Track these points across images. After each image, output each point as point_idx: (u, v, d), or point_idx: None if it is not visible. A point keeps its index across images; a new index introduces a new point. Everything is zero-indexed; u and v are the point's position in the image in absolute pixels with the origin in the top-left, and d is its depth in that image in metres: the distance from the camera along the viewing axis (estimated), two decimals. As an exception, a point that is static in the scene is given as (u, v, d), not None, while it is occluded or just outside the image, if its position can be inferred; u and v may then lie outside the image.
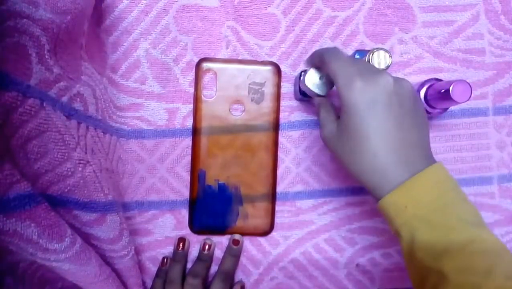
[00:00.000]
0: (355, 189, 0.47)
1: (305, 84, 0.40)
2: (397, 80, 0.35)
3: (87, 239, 0.36)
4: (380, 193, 0.34)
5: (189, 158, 0.46)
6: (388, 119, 0.33)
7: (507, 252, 0.32)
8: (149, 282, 0.46)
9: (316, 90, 0.39)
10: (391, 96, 0.34)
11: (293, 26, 0.46)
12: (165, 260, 0.46)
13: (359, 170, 0.34)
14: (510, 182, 0.48)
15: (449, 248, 0.31)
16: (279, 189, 0.47)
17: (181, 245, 0.45)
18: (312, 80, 0.39)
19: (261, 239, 0.47)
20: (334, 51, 0.36)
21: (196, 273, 0.44)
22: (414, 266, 0.33)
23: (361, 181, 0.35)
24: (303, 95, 0.43)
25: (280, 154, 0.46)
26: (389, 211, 0.33)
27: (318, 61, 0.38)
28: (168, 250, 0.46)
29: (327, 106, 0.39)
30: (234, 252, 0.46)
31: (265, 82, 0.46)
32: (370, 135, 0.33)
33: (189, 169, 0.46)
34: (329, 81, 0.39)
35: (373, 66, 0.37)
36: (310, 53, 0.46)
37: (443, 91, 0.39)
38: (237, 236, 0.46)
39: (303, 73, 0.41)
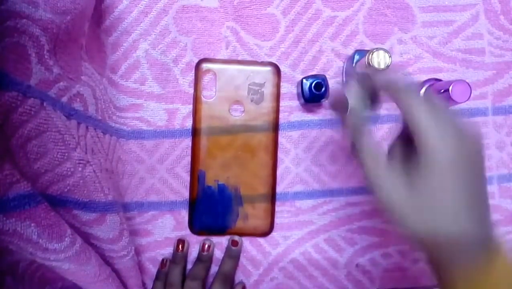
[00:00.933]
0: (355, 189, 0.47)
1: (348, 98, 0.31)
2: (479, 134, 0.30)
3: (87, 239, 0.35)
4: (457, 266, 0.29)
5: (188, 158, 0.46)
6: (478, 184, 0.29)
7: None
8: (149, 283, 0.46)
9: (357, 104, 0.31)
10: (480, 153, 0.29)
11: (292, 26, 0.46)
12: (165, 261, 0.46)
13: (443, 239, 0.29)
14: (510, 182, 0.48)
15: None
16: (279, 189, 0.47)
17: (180, 246, 0.45)
18: (354, 92, 0.32)
19: (261, 240, 0.47)
20: (413, 89, 0.30)
21: (195, 275, 0.44)
22: None
23: (434, 252, 0.30)
24: (309, 100, 0.43)
25: (280, 155, 0.46)
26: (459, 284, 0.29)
27: (386, 89, 0.31)
28: (168, 250, 0.46)
29: (370, 140, 0.31)
30: (233, 253, 0.46)
31: (264, 82, 0.46)
32: (465, 198, 0.28)
33: (189, 169, 0.46)
34: (371, 102, 0.32)
35: (456, 114, 0.30)
36: (309, 53, 0.46)
37: (442, 91, 0.39)
38: (236, 237, 0.46)
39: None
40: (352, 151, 0.31)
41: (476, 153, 0.29)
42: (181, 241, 0.46)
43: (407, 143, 0.31)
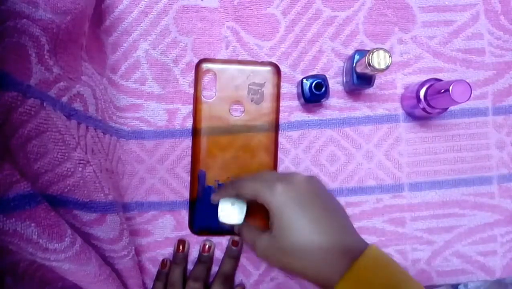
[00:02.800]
0: (355, 189, 0.47)
1: (221, 222, 0.42)
2: (307, 176, 0.39)
3: (87, 239, 0.35)
4: (332, 280, 0.34)
5: (189, 158, 0.46)
6: (315, 209, 0.37)
7: None
8: (149, 283, 0.46)
9: (235, 220, 0.42)
10: (310, 190, 0.38)
11: (292, 26, 0.46)
12: (165, 262, 0.46)
13: (304, 267, 0.36)
14: (510, 182, 0.48)
15: None
16: (279, 189, 0.47)
17: (181, 247, 0.45)
18: (227, 213, 0.42)
19: (261, 240, 0.47)
20: (240, 179, 0.41)
21: (197, 276, 0.44)
22: None
23: (309, 277, 0.36)
24: (309, 100, 0.43)
25: (280, 155, 0.46)
26: None
27: (231, 190, 0.41)
28: (168, 251, 0.46)
29: (248, 227, 0.42)
30: (233, 254, 0.46)
31: (264, 82, 0.46)
32: (307, 233, 0.36)
33: (189, 169, 0.46)
34: (241, 206, 0.42)
35: (283, 172, 0.42)
36: (309, 53, 0.46)
37: (443, 91, 0.39)
38: (236, 237, 0.46)
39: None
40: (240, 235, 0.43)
41: (304, 189, 0.37)
42: (181, 242, 0.46)
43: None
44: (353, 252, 0.35)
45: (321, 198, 0.38)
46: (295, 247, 0.36)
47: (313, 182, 0.39)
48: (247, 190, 0.39)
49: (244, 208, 0.42)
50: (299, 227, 0.36)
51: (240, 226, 0.43)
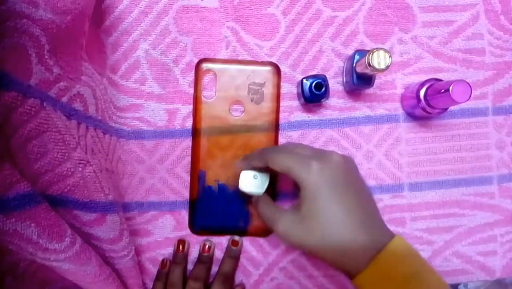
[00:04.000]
0: (355, 189, 0.47)
1: (241, 190, 0.41)
2: (343, 156, 0.37)
3: (87, 239, 0.35)
4: (353, 271, 0.34)
5: (189, 158, 0.46)
6: (350, 197, 0.35)
7: None
8: (149, 283, 0.46)
9: (255, 190, 0.40)
10: (345, 172, 0.36)
11: (293, 26, 0.46)
12: (165, 262, 0.46)
13: (329, 254, 0.35)
14: (510, 182, 0.48)
15: None
16: (279, 189, 0.47)
17: (181, 247, 0.45)
18: (248, 182, 0.40)
19: (261, 240, 0.47)
20: (272, 148, 0.39)
21: (197, 276, 0.44)
22: None
23: (333, 264, 0.36)
24: (309, 100, 0.44)
25: (280, 155, 0.46)
26: (366, 287, 0.34)
27: (259, 161, 0.39)
28: (168, 251, 0.46)
29: (267, 201, 0.40)
30: (233, 253, 0.46)
31: (265, 82, 0.46)
32: (339, 215, 0.35)
33: (189, 169, 0.46)
34: (263, 179, 0.41)
35: (317, 148, 0.39)
36: (310, 53, 0.46)
37: (443, 91, 0.39)
38: (236, 237, 0.46)
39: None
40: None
41: (340, 172, 0.36)
42: (181, 242, 0.46)
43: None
44: (379, 245, 0.34)
45: (356, 185, 0.37)
46: (323, 233, 0.35)
47: (349, 163, 0.37)
48: (279, 164, 0.36)
49: (267, 180, 0.41)
50: (331, 214, 0.35)
51: (259, 198, 0.41)
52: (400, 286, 0.33)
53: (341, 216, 0.34)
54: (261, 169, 0.40)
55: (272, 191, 0.45)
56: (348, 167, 0.37)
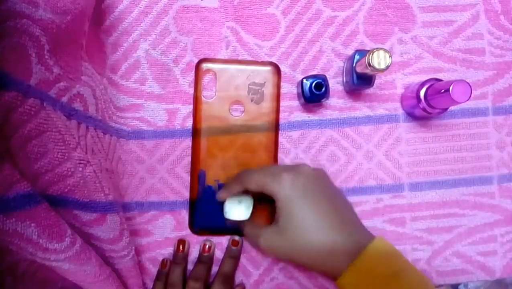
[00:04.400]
0: (355, 189, 0.47)
1: (227, 219, 0.43)
2: (314, 168, 0.39)
3: (87, 239, 0.35)
4: (336, 273, 0.35)
5: (189, 158, 0.46)
6: (323, 203, 0.37)
7: None
8: (149, 283, 0.46)
9: (242, 217, 0.42)
10: (316, 181, 0.38)
11: (293, 26, 0.46)
12: (165, 262, 0.46)
13: (311, 259, 0.36)
14: (510, 182, 0.48)
15: None
16: (279, 189, 0.47)
17: (181, 247, 0.45)
18: (233, 210, 0.42)
19: (261, 240, 0.47)
20: (246, 170, 0.41)
21: (198, 276, 0.44)
22: None
23: (317, 268, 0.37)
24: (309, 100, 0.43)
25: (280, 155, 0.46)
26: (348, 288, 0.35)
27: (237, 186, 0.41)
28: (168, 251, 0.46)
29: (252, 222, 0.43)
30: (233, 253, 0.46)
31: (265, 82, 0.46)
32: (313, 222, 0.36)
33: (189, 169, 0.46)
34: (247, 203, 0.42)
35: (288, 164, 0.43)
36: (310, 53, 0.46)
37: (443, 91, 0.39)
38: (236, 237, 0.46)
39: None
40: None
41: (311, 181, 0.37)
42: (181, 242, 0.46)
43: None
44: (359, 246, 0.35)
45: (329, 191, 0.38)
46: (302, 241, 0.36)
47: (320, 174, 0.39)
48: (254, 183, 0.39)
49: (251, 205, 0.43)
50: (308, 220, 0.36)
51: (244, 222, 0.43)
52: (382, 285, 0.34)
53: (317, 221, 0.36)
54: (243, 194, 0.42)
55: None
56: (319, 176, 0.39)
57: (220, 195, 0.43)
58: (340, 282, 0.35)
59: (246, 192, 0.41)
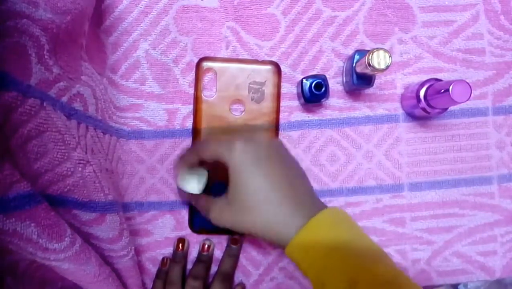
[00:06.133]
0: (354, 189, 0.47)
1: (183, 190, 0.41)
2: (270, 138, 0.38)
3: (87, 238, 0.35)
4: (284, 242, 0.34)
5: (189, 158, 0.46)
6: (275, 172, 0.35)
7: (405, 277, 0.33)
8: (149, 283, 0.46)
9: (193, 190, 0.40)
10: (271, 150, 0.36)
11: (293, 26, 0.46)
12: (165, 260, 0.46)
13: (261, 228, 0.35)
14: (510, 182, 0.48)
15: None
16: (279, 189, 0.47)
17: (180, 246, 0.45)
18: (187, 182, 0.40)
19: (261, 239, 0.47)
20: (202, 140, 0.40)
21: (197, 275, 0.44)
22: None
23: (266, 237, 0.36)
24: (309, 100, 0.43)
25: (280, 154, 0.46)
26: (295, 257, 0.34)
27: (192, 156, 0.39)
28: (168, 250, 0.46)
29: (204, 196, 0.41)
30: (233, 252, 0.46)
31: (265, 81, 0.46)
32: (262, 190, 0.35)
33: (189, 169, 0.46)
34: (200, 176, 0.41)
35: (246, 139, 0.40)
36: (310, 53, 0.46)
37: (443, 91, 0.39)
38: (236, 236, 0.46)
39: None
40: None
41: (264, 149, 0.36)
42: (181, 240, 0.46)
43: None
44: (310, 210, 0.34)
45: (283, 160, 0.37)
46: (249, 203, 0.35)
47: (274, 142, 0.38)
48: (209, 151, 0.37)
49: (204, 178, 0.41)
50: (256, 188, 0.35)
51: (197, 196, 0.41)
52: (330, 254, 0.33)
53: (265, 188, 0.35)
54: (199, 168, 0.41)
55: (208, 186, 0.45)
56: (274, 145, 0.37)
57: (175, 164, 0.41)
58: (286, 251, 0.34)
59: (202, 164, 0.40)
